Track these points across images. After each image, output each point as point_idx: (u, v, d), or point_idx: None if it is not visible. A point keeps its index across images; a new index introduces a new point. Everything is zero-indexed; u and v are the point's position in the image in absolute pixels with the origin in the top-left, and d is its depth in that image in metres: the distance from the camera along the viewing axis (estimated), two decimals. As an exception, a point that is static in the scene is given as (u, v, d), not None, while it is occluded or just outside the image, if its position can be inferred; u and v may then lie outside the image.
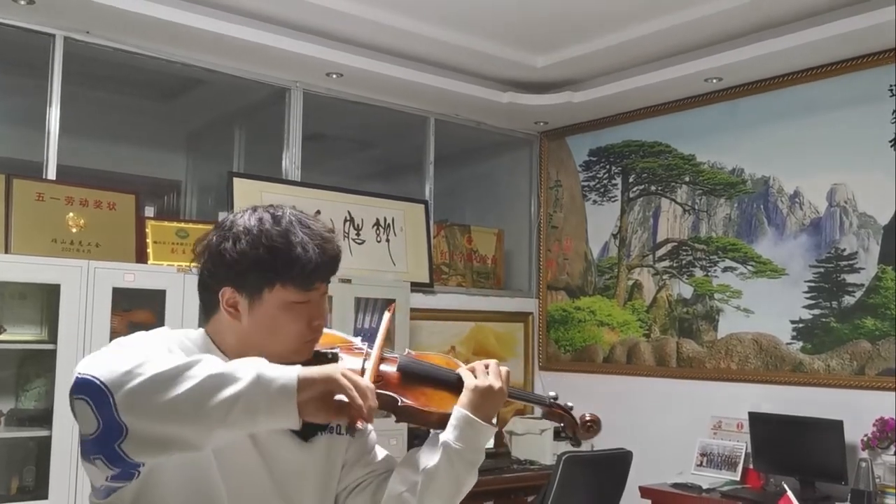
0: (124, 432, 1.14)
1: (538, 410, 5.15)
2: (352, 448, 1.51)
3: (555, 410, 1.54)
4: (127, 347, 1.24)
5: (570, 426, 1.54)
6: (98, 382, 1.14)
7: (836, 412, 3.86)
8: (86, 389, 1.15)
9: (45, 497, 3.31)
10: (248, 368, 1.16)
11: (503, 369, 1.47)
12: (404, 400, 1.41)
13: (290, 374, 1.16)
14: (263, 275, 1.33)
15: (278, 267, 1.32)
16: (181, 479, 1.32)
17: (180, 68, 4.27)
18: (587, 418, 1.54)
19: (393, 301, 4.34)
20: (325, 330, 1.51)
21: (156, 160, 5.27)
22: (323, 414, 1.18)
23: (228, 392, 1.13)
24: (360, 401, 1.17)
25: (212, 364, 1.16)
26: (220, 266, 1.35)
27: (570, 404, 1.56)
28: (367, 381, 1.22)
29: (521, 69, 4.73)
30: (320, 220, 1.42)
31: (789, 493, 1.82)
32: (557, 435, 4.80)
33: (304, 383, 1.15)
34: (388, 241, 4.80)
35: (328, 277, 1.39)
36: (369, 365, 1.40)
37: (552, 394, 1.55)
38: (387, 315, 1.60)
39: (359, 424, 1.17)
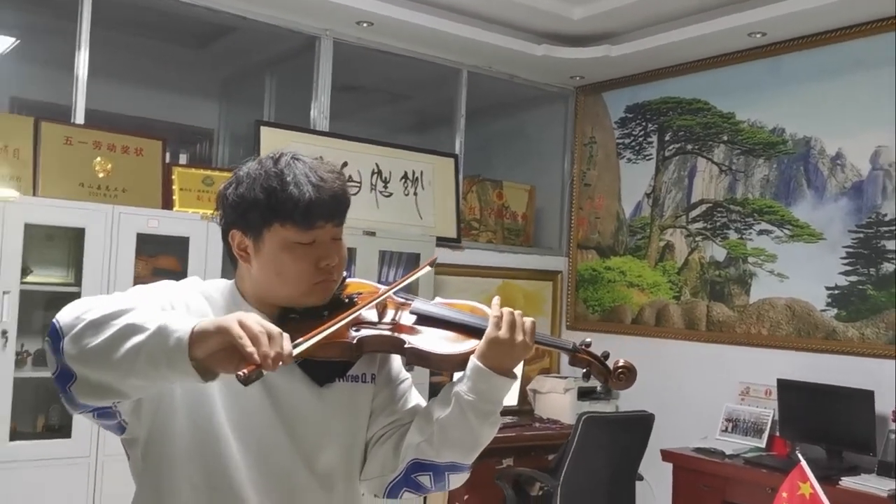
0: (73, 376, 1.18)
1: (564, 362, 5.11)
2: (379, 396, 1.48)
3: (580, 356, 1.44)
4: (108, 296, 1.28)
5: (599, 373, 1.43)
6: (57, 326, 1.20)
7: (867, 382, 3.76)
8: (51, 332, 1.21)
9: (69, 436, 3.38)
10: (159, 319, 1.15)
11: (527, 321, 1.39)
12: (412, 342, 1.38)
13: (186, 326, 1.12)
14: (261, 214, 1.34)
15: (273, 205, 1.33)
16: (193, 440, 1.34)
17: (211, 15, 4.22)
18: (620, 364, 1.43)
19: (422, 256, 4.30)
20: (360, 280, 1.52)
21: (189, 107, 5.26)
22: (231, 365, 1.12)
23: (134, 341, 1.14)
24: (250, 348, 1.09)
25: (137, 313, 1.17)
26: (227, 210, 1.39)
27: (606, 352, 1.45)
28: (270, 326, 1.13)
29: (556, 20, 4.59)
30: (328, 162, 1.40)
31: (803, 462, 1.75)
32: (587, 393, 4.74)
33: (198, 336, 1.12)
34: (415, 194, 4.75)
35: (331, 217, 1.36)
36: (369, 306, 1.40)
37: (587, 339, 1.46)
38: (425, 267, 1.58)
39: (242, 372, 1.09)
